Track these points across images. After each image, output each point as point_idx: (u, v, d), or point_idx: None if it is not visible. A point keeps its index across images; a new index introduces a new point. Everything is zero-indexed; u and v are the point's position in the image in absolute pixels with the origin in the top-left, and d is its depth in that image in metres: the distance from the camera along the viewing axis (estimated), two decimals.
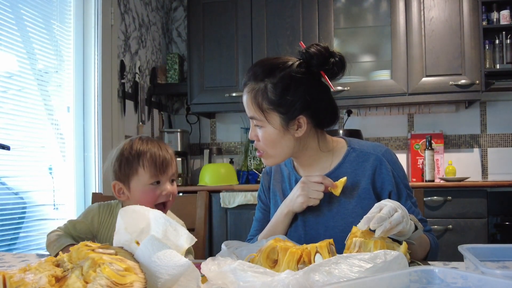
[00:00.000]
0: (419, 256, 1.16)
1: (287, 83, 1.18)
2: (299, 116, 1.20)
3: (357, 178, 1.24)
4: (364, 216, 0.93)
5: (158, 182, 1.31)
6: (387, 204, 0.95)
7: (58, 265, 0.75)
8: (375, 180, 1.23)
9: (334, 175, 1.26)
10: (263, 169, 3.27)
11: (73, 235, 1.33)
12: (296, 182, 1.31)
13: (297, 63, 1.21)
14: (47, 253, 1.28)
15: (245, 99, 1.23)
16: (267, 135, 1.21)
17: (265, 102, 1.19)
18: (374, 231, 0.93)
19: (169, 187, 1.32)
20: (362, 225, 0.92)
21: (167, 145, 1.37)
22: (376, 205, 0.96)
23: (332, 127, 1.32)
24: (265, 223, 1.38)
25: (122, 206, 1.39)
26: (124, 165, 1.30)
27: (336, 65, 1.19)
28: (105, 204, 1.39)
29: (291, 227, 1.30)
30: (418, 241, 1.09)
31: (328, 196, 1.24)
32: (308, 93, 1.19)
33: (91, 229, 1.36)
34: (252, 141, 3.35)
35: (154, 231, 0.88)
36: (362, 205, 1.21)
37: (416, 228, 1.03)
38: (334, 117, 1.27)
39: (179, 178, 3.28)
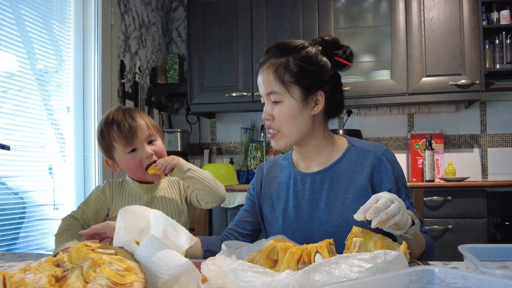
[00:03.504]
0: (415, 254, 1.16)
1: (309, 58, 1.24)
2: (318, 92, 1.24)
3: (355, 175, 1.27)
4: (361, 207, 0.93)
5: (134, 150, 1.33)
6: (384, 196, 0.95)
7: (58, 265, 0.75)
8: (373, 177, 1.25)
9: (333, 169, 1.29)
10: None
11: (88, 216, 1.34)
12: (295, 179, 1.32)
13: (314, 45, 1.29)
14: (47, 253, 1.28)
15: (263, 75, 1.26)
16: (286, 109, 1.23)
17: (287, 74, 1.23)
18: (371, 222, 0.93)
19: (149, 149, 1.33)
20: (358, 215, 0.92)
21: (133, 110, 1.37)
22: (373, 196, 0.96)
23: (338, 116, 1.39)
24: (249, 213, 1.40)
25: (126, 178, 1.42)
26: (102, 143, 1.36)
27: (347, 53, 1.28)
28: (113, 180, 1.43)
29: (283, 222, 1.31)
30: (415, 237, 1.09)
31: (326, 191, 1.27)
32: (326, 72, 1.26)
33: (103, 199, 1.37)
34: (252, 141, 3.38)
35: (154, 231, 0.88)
36: (358, 201, 1.22)
37: (413, 223, 1.04)
38: (342, 106, 1.34)
39: None
